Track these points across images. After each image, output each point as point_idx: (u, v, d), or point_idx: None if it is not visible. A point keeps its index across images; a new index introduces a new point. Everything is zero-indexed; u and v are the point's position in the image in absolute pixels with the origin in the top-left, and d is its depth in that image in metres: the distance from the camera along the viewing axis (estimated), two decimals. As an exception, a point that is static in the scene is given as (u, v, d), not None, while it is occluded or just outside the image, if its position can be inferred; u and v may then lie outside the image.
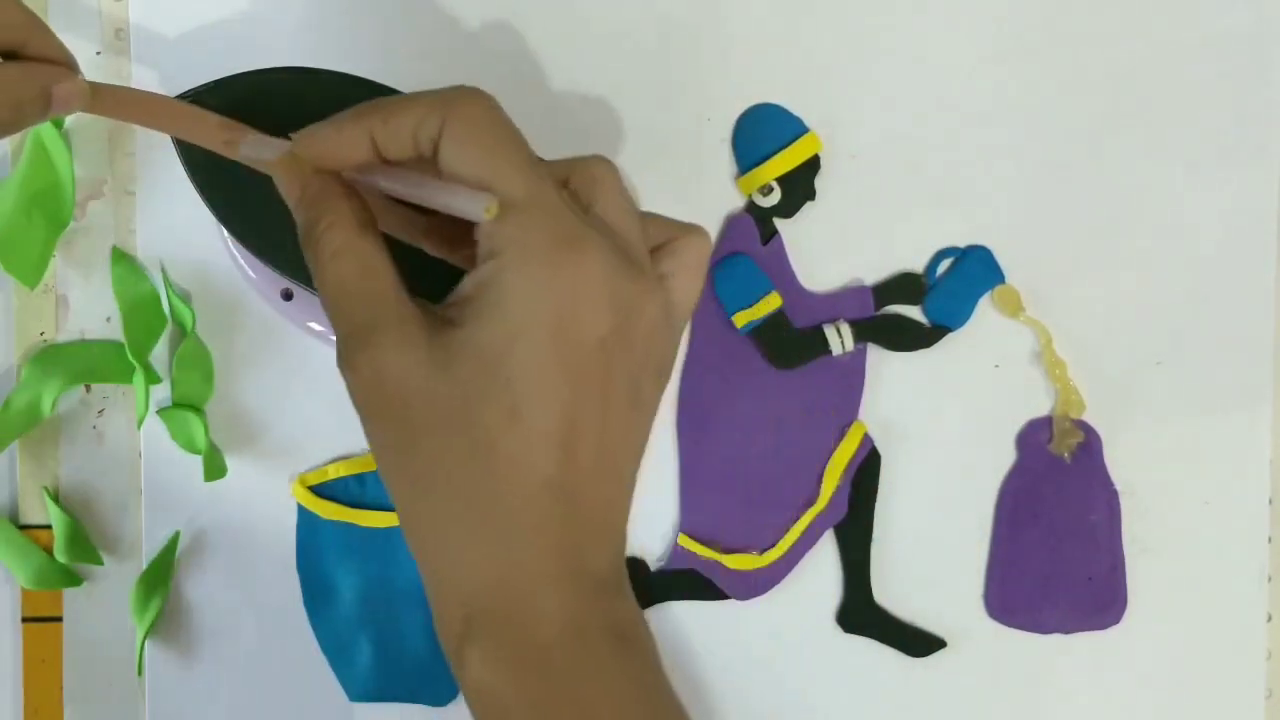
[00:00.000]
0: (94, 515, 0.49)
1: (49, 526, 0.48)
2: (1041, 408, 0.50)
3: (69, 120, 0.48)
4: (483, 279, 0.33)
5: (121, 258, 0.48)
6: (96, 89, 0.39)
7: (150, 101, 0.42)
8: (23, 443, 0.48)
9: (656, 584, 0.50)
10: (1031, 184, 0.50)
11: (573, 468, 0.34)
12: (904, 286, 0.50)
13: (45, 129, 0.46)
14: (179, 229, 0.48)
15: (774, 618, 0.50)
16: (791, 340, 0.49)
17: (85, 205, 0.48)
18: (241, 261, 0.47)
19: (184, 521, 0.49)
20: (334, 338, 0.48)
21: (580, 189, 0.36)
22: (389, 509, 0.49)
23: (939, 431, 0.50)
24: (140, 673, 0.49)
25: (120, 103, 0.41)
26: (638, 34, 0.49)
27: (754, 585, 0.50)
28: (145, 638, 0.48)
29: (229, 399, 0.49)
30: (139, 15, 0.48)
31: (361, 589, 0.49)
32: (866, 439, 0.50)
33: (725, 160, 0.49)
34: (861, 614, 0.50)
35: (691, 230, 0.37)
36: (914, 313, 0.50)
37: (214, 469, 0.47)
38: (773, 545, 0.50)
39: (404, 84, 0.43)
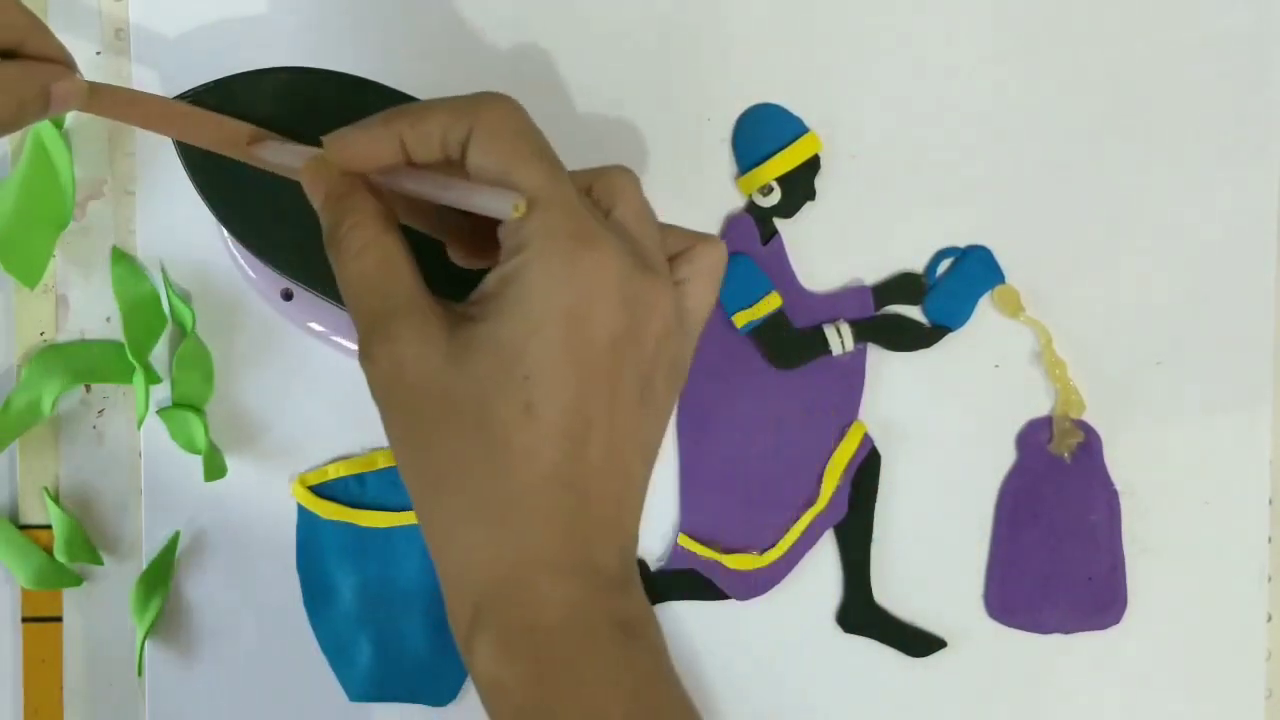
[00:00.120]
0: (94, 515, 0.49)
1: (49, 526, 0.48)
2: (1041, 408, 0.50)
3: (69, 120, 0.48)
4: (506, 274, 0.34)
5: (121, 258, 0.48)
6: (95, 88, 0.39)
7: (149, 102, 0.42)
8: (23, 443, 0.48)
9: (656, 584, 0.50)
10: (1031, 184, 0.50)
11: (582, 462, 0.34)
12: (904, 286, 0.50)
13: (45, 129, 0.46)
14: (179, 229, 0.48)
15: (774, 618, 0.50)
16: (791, 340, 0.49)
17: (85, 205, 0.48)
18: (241, 261, 0.47)
19: (184, 521, 0.49)
20: (335, 338, 0.48)
21: (601, 196, 0.37)
22: (389, 509, 0.49)
23: (939, 431, 0.50)
24: (140, 673, 0.49)
25: (119, 103, 0.41)
26: (638, 34, 0.49)
27: (754, 585, 0.50)
28: (145, 638, 0.48)
29: (229, 399, 0.49)
30: (139, 15, 0.48)
31: (361, 589, 0.49)
32: (866, 439, 0.50)
33: (725, 160, 0.49)
34: (861, 614, 0.50)
35: (708, 239, 0.38)
36: (914, 313, 0.50)
37: (214, 469, 0.47)
38: (773, 545, 0.50)
39: (404, 84, 0.44)
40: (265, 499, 0.49)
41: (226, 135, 0.42)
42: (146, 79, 0.47)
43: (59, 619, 0.49)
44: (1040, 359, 0.50)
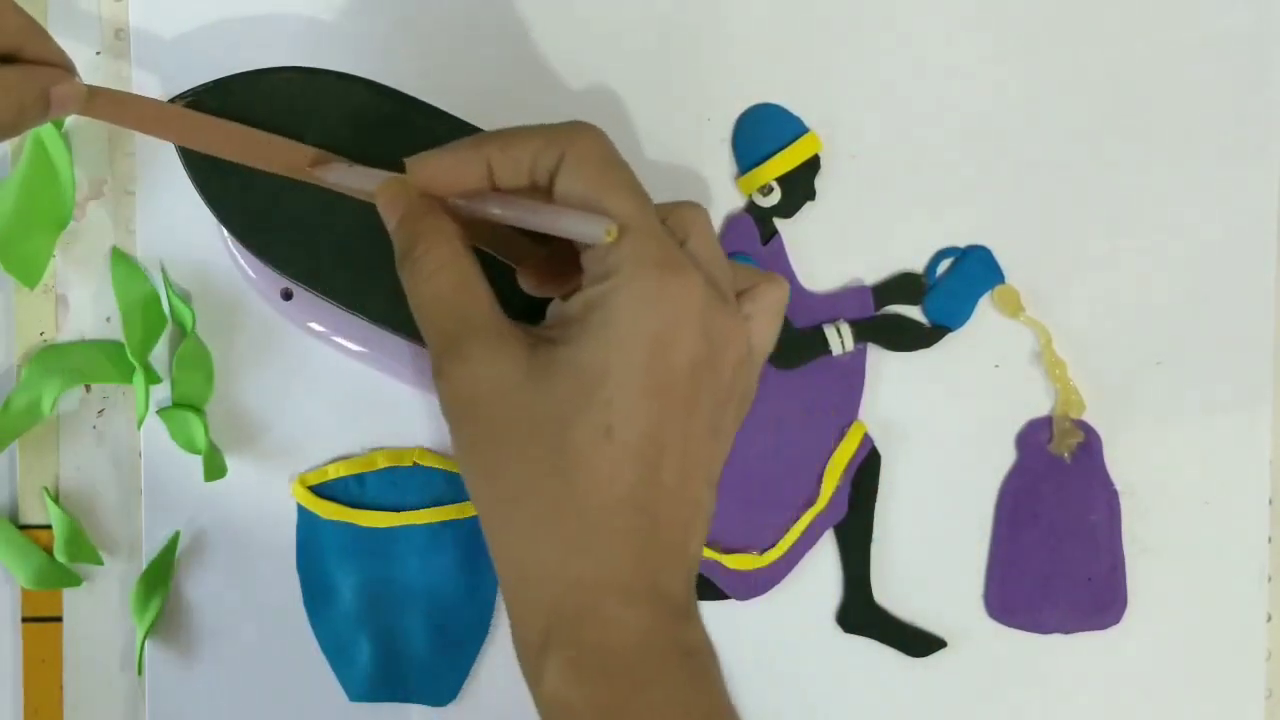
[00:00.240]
0: (94, 515, 0.49)
1: (49, 526, 0.48)
2: (1041, 408, 0.50)
3: (69, 121, 0.48)
4: (592, 299, 0.35)
5: (121, 258, 0.48)
6: (94, 91, 0.39)
7: (146, 105, 0.42)
8: (23, 443, 0.48)
9: (656, 584, 0.50)
10: (1031, 184, 0.50)
11: (655, 486, 0.35)
12: (904, 286, 0.50)
13: (45, 129, 0.46)
14: (179, 229, 0.48)
15: (774, 618, 0.50)
16: (791, 340, 0.49)
17: (85, 205, 0.48)
18: (241, 261, 0.47)
19: (184, 521, 0.49)
20: (335, 338, 0.48)
21: (675, 228, 0.37)
22: (389, 509, 0.49)
23: (939, 431, 0.50)
24: (140, 673, 0.49)
25: (118, 106, 0.41)
26: (638, 34, 0.49)
27: (754, 585, 0.50)
28: (145, 638, 0.48)
29: (229, 399, 0.49)
30: (139, 17, 0.48)
31: (361, 589, 0.49)
32: (866, 439, 0.50)
33: (725, 160, 0.49)
34: (861, 614, 0.50)
35: (771, 278, 0.39)
36: (914, 313, 0.50)
37: (214, 469, 0.47)
38: (773, 545, 0.50)
39: (404, 84, 0.44)
40: (265, 499, 0.49)
41: (233, 145, 0.42)
42: (146, 80, 0.47)
43: (59, 619, 0.49)
44: (1040, 359, 0.50)
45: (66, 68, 0.39)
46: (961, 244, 0.50)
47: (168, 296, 0.48)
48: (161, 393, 0.48)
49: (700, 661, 0.36)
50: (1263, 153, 0.50)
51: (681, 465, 0.35)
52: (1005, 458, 0.51)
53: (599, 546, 0.35)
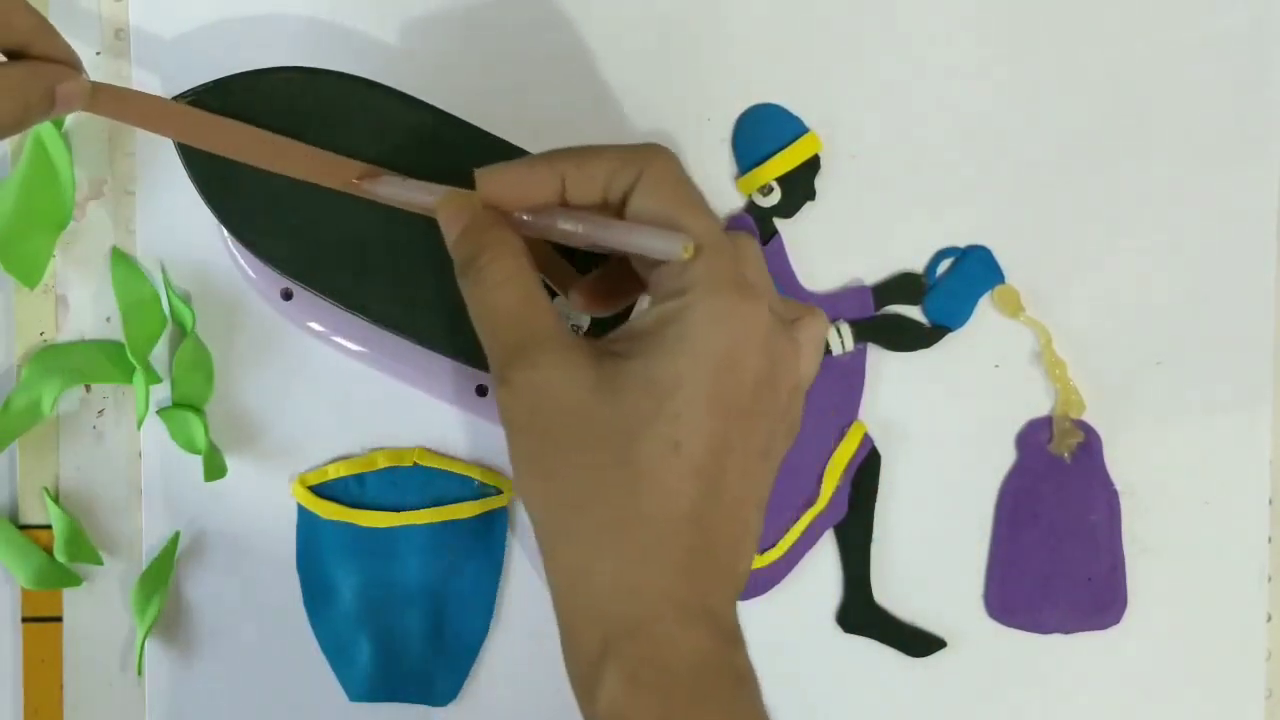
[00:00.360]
0: (94, 515, 0.49)
1: (49, 526, 0.48)
2: (1041, 408, 0.50)
3: (69, 120, 0.48)
4: (666, 314, 0.35)
5: (121, 258, 0.48)
6: (99, 89, 0.39)
7: (150, 102, 0.42)
8: (23, 443, 0.48)
9: (656, 584, 0.50)
10: (1031, 184, 0.50)
11: (714, 504, 0.35)
12: (904, 286, 0.50)
13: (45, 129, 0.46)
14: (179, 229, 0.48)
15: (774, 618, 0.50)
16: (791, 340, 0.49)
17: (85, 205, 0.48)
18: (241, 261, 0.47)
19: (184, 521, 0.49)
20: (335, 338, 0.48)
21: None
22: (389, 509, 0.49)
23: (939, 431, 0.50)
24: (140, 673, 0.49)
25: (122, 103, 0.41)
26: (638, 34, 0.49)
27: (754, 585, 0.50)
28: (145, 638, 0.48)
29: (229, 399, 0.49)
30: (139, 16, 0.48)
31: (361, 589, 0.49)
32: (866, 439, 0.50)
33: (725, 160, 0.49)
34: (861, 614, 0.50)
35: (814, 311, 0.39)
36: (914, 313, 0.50)
37: (214, 469, 0.47)
38: (773, 545, 0.50)
39: (404, 84, 0.44)
40: (265, 499, 0.49)
41: (237, 145, 0.42)
42: (146, 80, 0.47)
43: (59, 619, 0.49)
44: (1040, 359, 0.50)
45: (75, 65, 0.39)
46: (961, 244, 0.50)
47: (168, 296, 0.48)
48: (161, 393, 0.48)
49: (750, 689, 0.36)
50: (1263, 153, 0.50)
51: (738, 484, 0.36)
52: (1005, 458, 0.51)
53: (658, 560, 0.35)
